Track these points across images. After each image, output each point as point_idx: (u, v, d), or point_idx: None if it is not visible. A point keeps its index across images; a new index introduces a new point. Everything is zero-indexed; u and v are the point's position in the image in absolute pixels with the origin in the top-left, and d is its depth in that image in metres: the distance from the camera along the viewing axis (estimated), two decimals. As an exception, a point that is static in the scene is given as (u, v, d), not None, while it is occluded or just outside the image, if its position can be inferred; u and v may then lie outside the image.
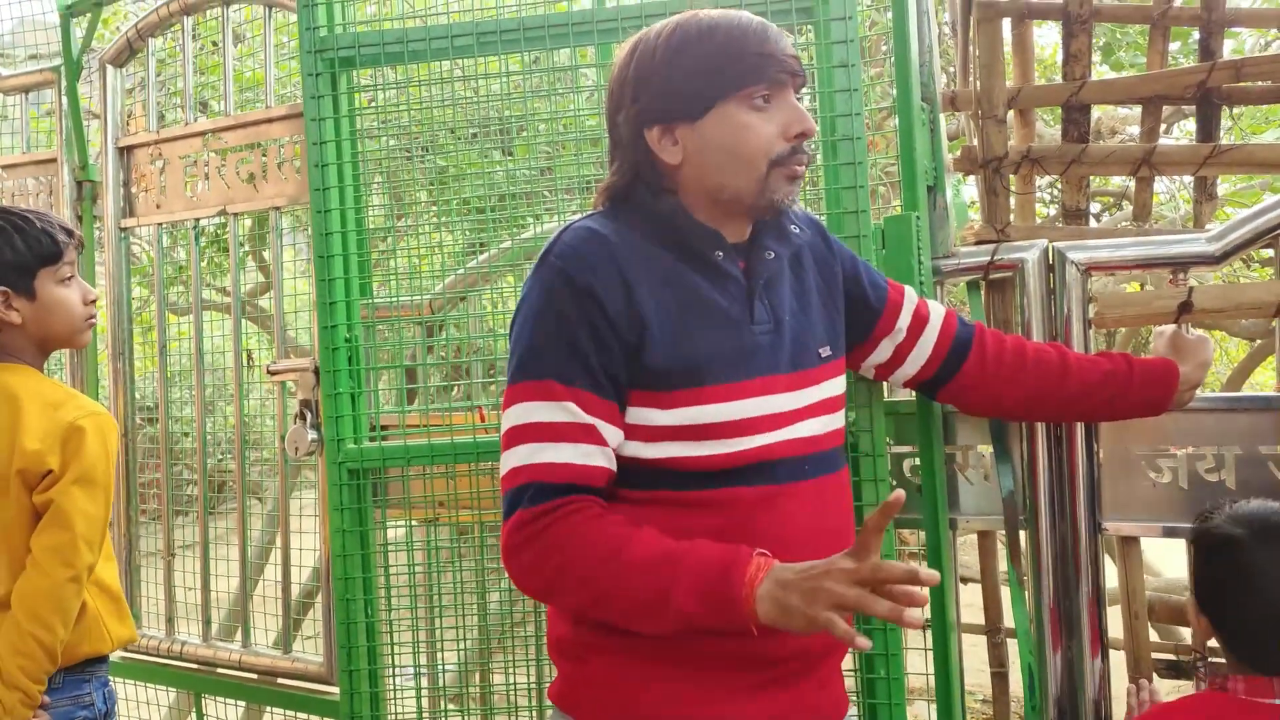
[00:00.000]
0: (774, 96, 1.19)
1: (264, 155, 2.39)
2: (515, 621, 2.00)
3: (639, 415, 1.19)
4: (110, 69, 2.61)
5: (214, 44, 3.31)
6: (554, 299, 1.18)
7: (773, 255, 1.26)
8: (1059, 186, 1.81)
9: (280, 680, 2.29)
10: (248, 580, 2.46)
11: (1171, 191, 3.23)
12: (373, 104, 2.21)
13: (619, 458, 1.20)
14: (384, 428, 2.05)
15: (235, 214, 2.42)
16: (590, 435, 1.16)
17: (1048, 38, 4.17)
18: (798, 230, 1.30)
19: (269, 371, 2.34)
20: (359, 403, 1.85)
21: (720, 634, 1.14)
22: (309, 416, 2.18)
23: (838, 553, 1.13)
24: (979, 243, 1.79)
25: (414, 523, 1.93)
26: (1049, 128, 3.14)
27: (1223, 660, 1.67)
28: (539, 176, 2.17)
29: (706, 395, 1.18)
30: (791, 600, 1.05)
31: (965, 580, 3.44)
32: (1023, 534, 1.72)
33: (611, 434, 1.18)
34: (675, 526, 1.18)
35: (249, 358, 2.61)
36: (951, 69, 1.95)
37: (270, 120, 2.38)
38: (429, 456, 1.79)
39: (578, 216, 1.28)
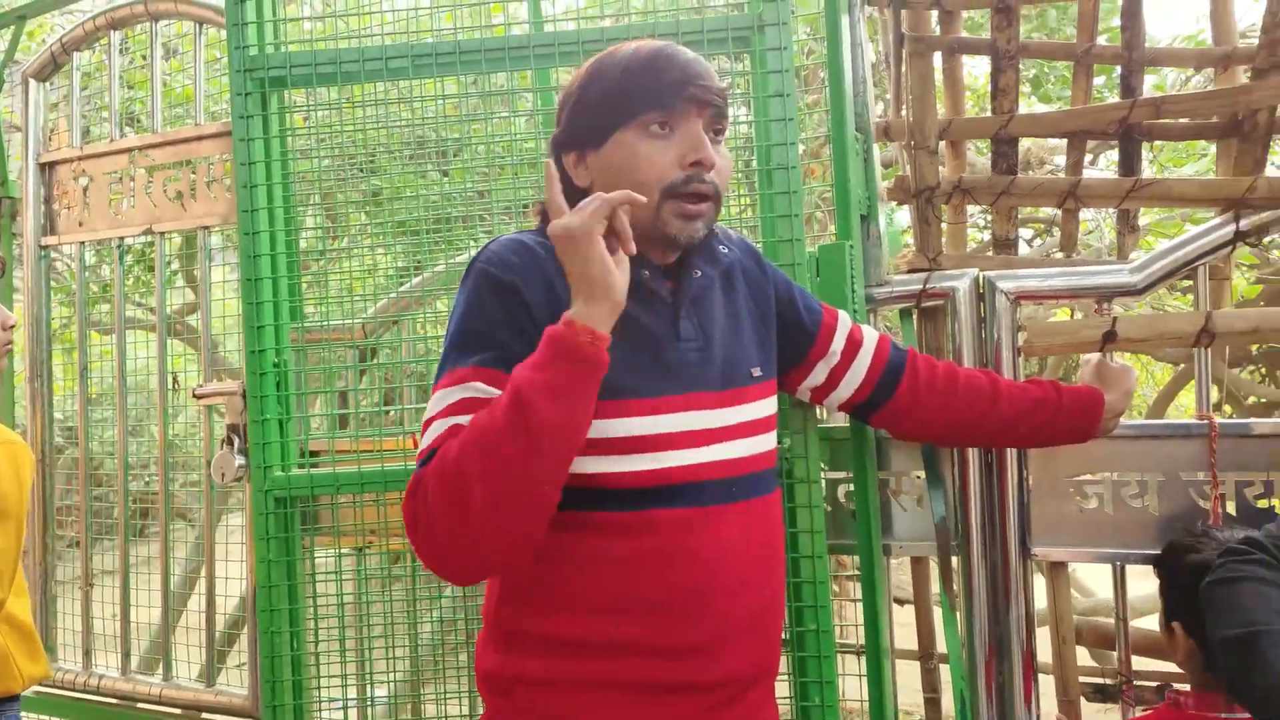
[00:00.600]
0: (676, 125, 1.19)
1: (193, 173, 2.34)
2: (447, 652, 1.96)
3: None
4: (33, 83, 2.53)
5: (144, 58, 3.24)
6: (477, 298, 1.18)
7: (700, 274, 1.26)
8: (989, 216, 1.85)
9: (204, 715, 2.22)
10: (170, 610, 2.39)
11: (1098, 220, 3.32)
12: (308, 124, 2.17)
13: None
14: (315, 453, 2.01)
15: (162, 233, 2.36)
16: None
17: (980, 68, 4.27)
18: (727, 251, 1.31)
19: (195, 395, 2.28)
20: (287, 428, 1.81)
21: (648, 657, 1.14)
22: (236, 441, 2.12)
23: (768, 581, 1.13)
24: (911, 271, 1.82)
25: (344, 551, 1.89)
26: (980, 156, 3.21)
27: (1149, 683, 1.71)
28: (476, 199, 2.16)
29: (629, 408, 1.18)
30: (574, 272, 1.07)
31: (900, 601, 3.48)
32: (955, 559, 1.74)
33: None
34: (599, 552, 1.17)
35: (174, 380, 2.54)
36: (887, 99, 1.98)
37: (200, 138, 2.33)
38: (359, 484, 1.75)
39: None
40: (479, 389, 1.13)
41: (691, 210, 1.18)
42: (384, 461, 1.76)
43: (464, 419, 1.11)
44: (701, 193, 1.18)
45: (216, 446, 2.26)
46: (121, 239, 2.40)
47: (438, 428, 1.13)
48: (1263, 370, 4.38)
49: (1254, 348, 4.00)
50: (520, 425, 1.04)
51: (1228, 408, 3.97)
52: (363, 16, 2.39)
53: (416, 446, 1.92)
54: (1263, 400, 4.11)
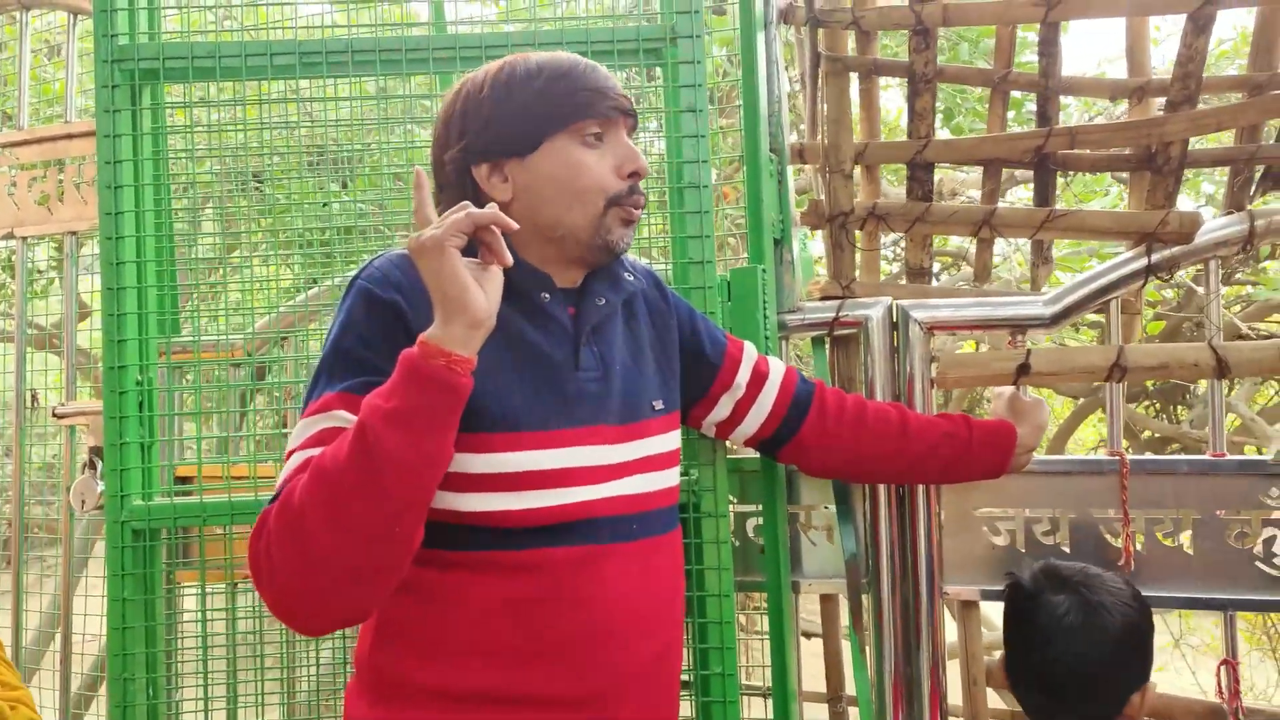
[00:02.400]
0: (606, 135, 1.15)
1: (61, 174, 2.16)
2: (324, 699, 1.81)
3: (454, 461, 1.08)
4: (-117, 70, 2.32)
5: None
6: (355, 317, 1.08)
7: (604, 302, 1.19)
8: (903, 244, 1.82)
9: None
10: (21, 650, 2.18)
11: (1006, 254, 3.36)
12: (200, 125, 2.02)
13: (432, 512, 1.08)
14: (184, 480, 1.85)
15: (24, 238, 2.17)
16: None
17: (894, 100, 4.32)
18: (632, 279, 1.24)
19: (55, 415, 2.10)
20: (151, 453, 1.64)
21: (538, 708, 1.08)
22: (99, 466, 1.95)
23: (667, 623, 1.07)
24: (824, 298, 1.76)
25: (215, 589, 1.73)
26: (894, 187, 3.21)
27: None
28: (379, 210, 2.03)
29: (524, 441, 1.09)
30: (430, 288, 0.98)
31: (809, 635, 3.42)
32: (865, 596, 1.68)
33: None
34: (486, 594, 1.09)
35: (33, 398, 2.34)
36: (802, 129, 1.93)
37: (70, 136, 2.16)
38: (229, 515, 1.60)
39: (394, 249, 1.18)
40: (342, 418, 1.02)
41: (634, 215, 1.15)
42: (258, 490, 1.61)
43: (321, 450, 0.99)
44: (640, 204, 1.16)
45: (78, 472, 2.09)
46: (-22, 243, 2.21)
47: (294, 461, 1.02)
48: (1157, 405, 4.49)
49: (1149, 383, 4.09)
50: (364, 457, 0.93)
51: (1125, 442, 4.04)
52: (257, 9, 2.25)
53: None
54: (1157, 435, 4.20)
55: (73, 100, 2.17)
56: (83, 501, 2.00)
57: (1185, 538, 1.61)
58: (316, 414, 1.04)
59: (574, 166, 1.12)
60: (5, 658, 1.39)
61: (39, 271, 3.10)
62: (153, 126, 1.67)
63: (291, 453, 1.04)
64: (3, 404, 2.41)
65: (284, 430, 1.85)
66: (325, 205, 2.02)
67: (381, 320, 1.06)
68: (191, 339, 1.79)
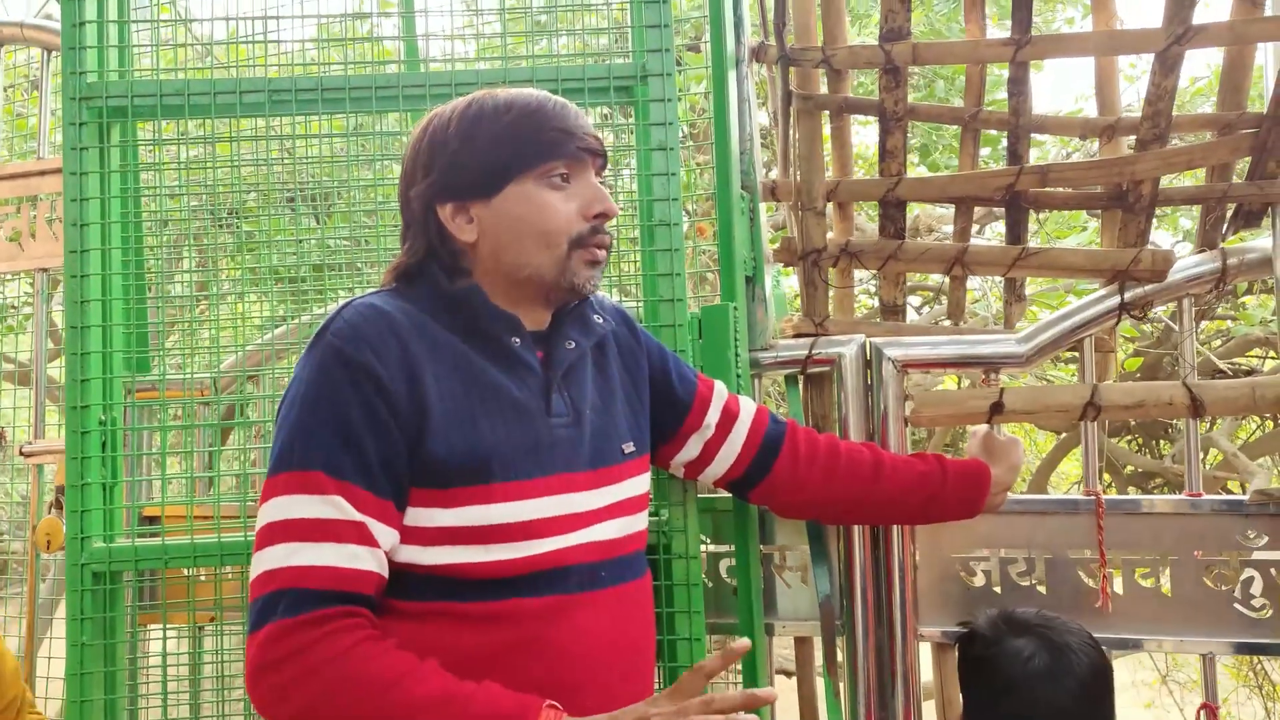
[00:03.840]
0: (573, 175, 1.13)
1: (33, 211, 2.14)
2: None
3: (419, 516, 1.06)
4: None
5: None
6: (327, 379, 1.04)
7: (574, 345, 1.18)
8: (877, 281, 1.81)
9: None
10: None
11: (984, 289, 3.36)
12: (171, 162, 2.01)
13: (392, 564, 1.06)
14: (150, 520, 1.82)
15: (-6, 275, 2.15)
16: (359, 534, 1.01)
17: (868, 136, 4.34)
18: (601, 320, 1.22)
19: (22, 453, 2.06)
20: (114, 494, 1.61)
21: None
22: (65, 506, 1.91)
23: (636, 672, 1.05)
24: (797, 336, 1.75)
25: (173, 634, 1.69)
26: (870, 222, 3.21)
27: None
28: (354, 247, 2.02)
29: (495, 493, 1.07)
30: None
31: (786, 673, 3.37)
32: (840, 639, 1.65)
33: (384, 535, 1.04)
34: (452, 644, 1.05)
35: (1, 436, 2.30)
36: (774, 167, 1.93)
37: (42, 173, 2.14)
38: (191, 557, 1.57)
39: (361, 294, 1.16)
40: (340, 507, 1.01)
41: (599, 256, 1.13)
42: (220, 532, 1.58)
43: (322, 549, 0.99)
44: (605, 244, 1.14)
45: (44, 511, 2.05)
46: (-53, 280, 2.18)
47: (289, 554, 1.00)
48: (1139, 440, 4.48)
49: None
50: None
51: (1106, 476, 4.02)
52: (238, 50, 2.25)
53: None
54: (1139, 470, 4.18)
55: (45, 136, 2.16)
56: (48, 542, 1.97)
57: (1164, 578, 1.60)
58: (304, 494, 1.01)
59: (539, 208, 1.11)
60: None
61: (12, 307, 3.07)
62: (121, 164, 1.66)
63: (272, 531, 1.01)
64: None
65: (252, 470, 1.82)
66: (300, 242, 2.01)
67: (356, 389, 1.03)
68: (159, 377, 1.77)
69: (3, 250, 2.14)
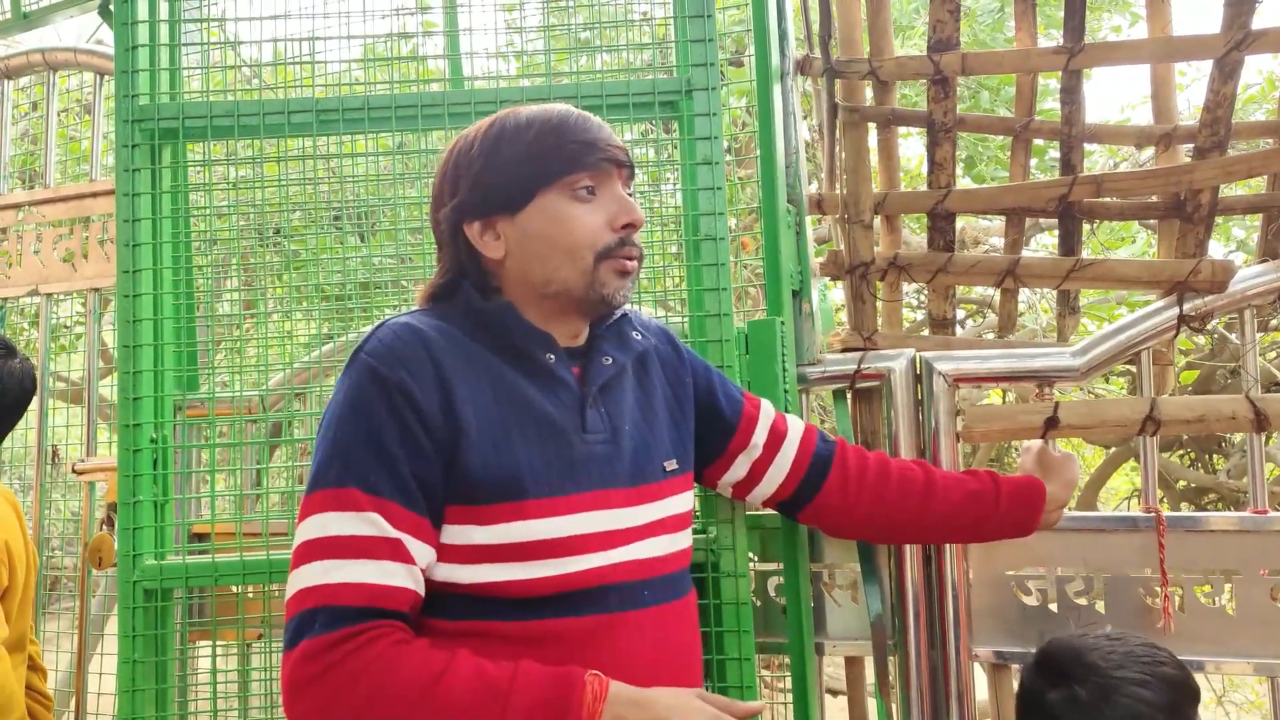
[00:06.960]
0: (599, 187, 1.13)
1: (85, 232, 2.18)
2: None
3: (456, 534, 1.05)
4: (-84, 131, 2.37)
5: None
6: (362, 398, 1.04)
7: (611, 361, 1.17)
8: (924, 294, 1.78)
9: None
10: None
11: (1032, 301, 3.31)
12: (220, 183, 2.04)
13: (430, 583, 1.06)
14: (198, 537, 1.83)
15: (48, 294, 2.19)
16: (395, 551, 1.01)
17: (913, 149, 4.30)
18: (640, 337, 1.21)
19: (74, 471, 2.09)
20: (165, 512, 1.62)
21: None
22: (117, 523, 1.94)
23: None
24: (845, 350, 1.73)
25: (221, 651, 1.70)
26: (915, 235, 3.18)
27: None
28: (399, 264, 2.03)
29: (529, 509, 1.06)
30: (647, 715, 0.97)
31: (835, 693, 3.32)
32: (892, 659, 1.62)
33: (421, 552, 1.03)
34: None
35: (54, 454, 2.34)
36: (821, 177, 1.91)
37: (95, 195, 2.18)
38: (240, 575, 1.57)
39: (395, 314, 1.16)
40: (377, 524, 1.01)
41: (629, 267, 1.12)
42: (269, 550, 1.59)
43: (359, 566, 0.99)
44: (634, 255, 1.13)
45: (95, 527, 2.07)
46: (3, 300, 2.23)
47: (326, 572, 0.99)
48: (1191, 454, 4.38)
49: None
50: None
51: (1159, 492, 3.94)
52: (285, 71, 2.28)
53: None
54: (1192, 485, 4.09)
55: (98, 159, 2.20)
56: (100, 559, 1.99)
57: (1223, 597, 1.55)
58: (341, 511, 1.01)
59: (564, 222, 1.10)
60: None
61: (65, 327, 3.13)
62: (172, 185, 1.68)
63: (309, 549, 1.01)
64: (14, 457, 2.41)
65: (298, 488, 1.83)
66: (346, 260, 2.02)
67: (392, 408, 1.03)
68: (208, 395, 1.79)
69: (56, 271, 2.18)
